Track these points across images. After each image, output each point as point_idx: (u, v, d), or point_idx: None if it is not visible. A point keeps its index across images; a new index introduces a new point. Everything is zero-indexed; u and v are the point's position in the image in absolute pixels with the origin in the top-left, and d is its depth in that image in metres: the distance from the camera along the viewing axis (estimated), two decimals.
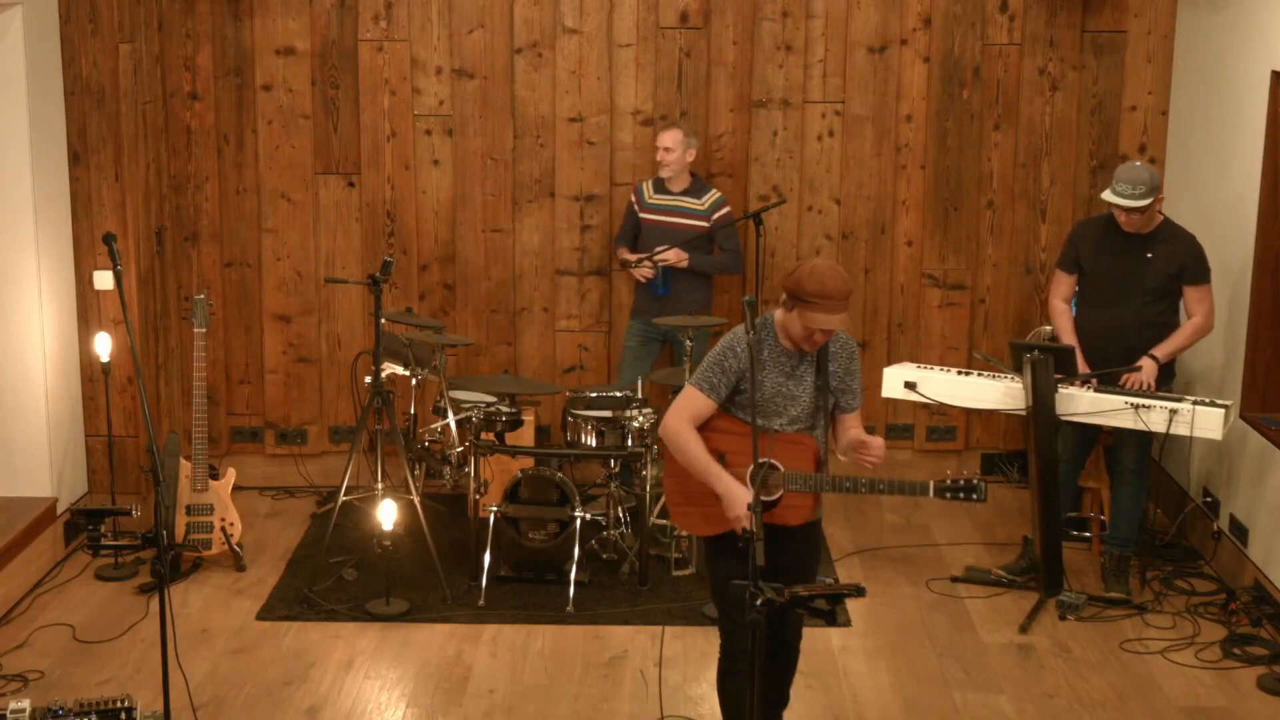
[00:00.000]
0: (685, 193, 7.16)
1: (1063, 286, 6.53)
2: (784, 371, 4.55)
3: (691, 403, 4.54)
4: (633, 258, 7.15)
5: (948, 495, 4.54)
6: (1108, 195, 6.23)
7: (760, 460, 4.37)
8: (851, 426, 4.68)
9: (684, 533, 6.53)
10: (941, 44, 7.37)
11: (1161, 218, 6.33)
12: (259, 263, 7.53)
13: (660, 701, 5.39)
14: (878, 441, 4.56)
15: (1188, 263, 6.29)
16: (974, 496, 4.53)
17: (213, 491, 6.55)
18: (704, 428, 4.57)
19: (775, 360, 4.54)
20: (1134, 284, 6.31)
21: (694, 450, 4.51)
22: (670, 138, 7.07)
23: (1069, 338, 6.38)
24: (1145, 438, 6.29)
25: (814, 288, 4.35)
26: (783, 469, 4.52)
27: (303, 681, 5.61)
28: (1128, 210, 6.18)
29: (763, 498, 4.39)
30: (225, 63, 7.34)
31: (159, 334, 7.21)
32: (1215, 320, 6.73)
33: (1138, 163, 6.31)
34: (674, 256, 7.03)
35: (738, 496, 4.41)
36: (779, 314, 4.54)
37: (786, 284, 4.44)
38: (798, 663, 4.98)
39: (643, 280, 7.12)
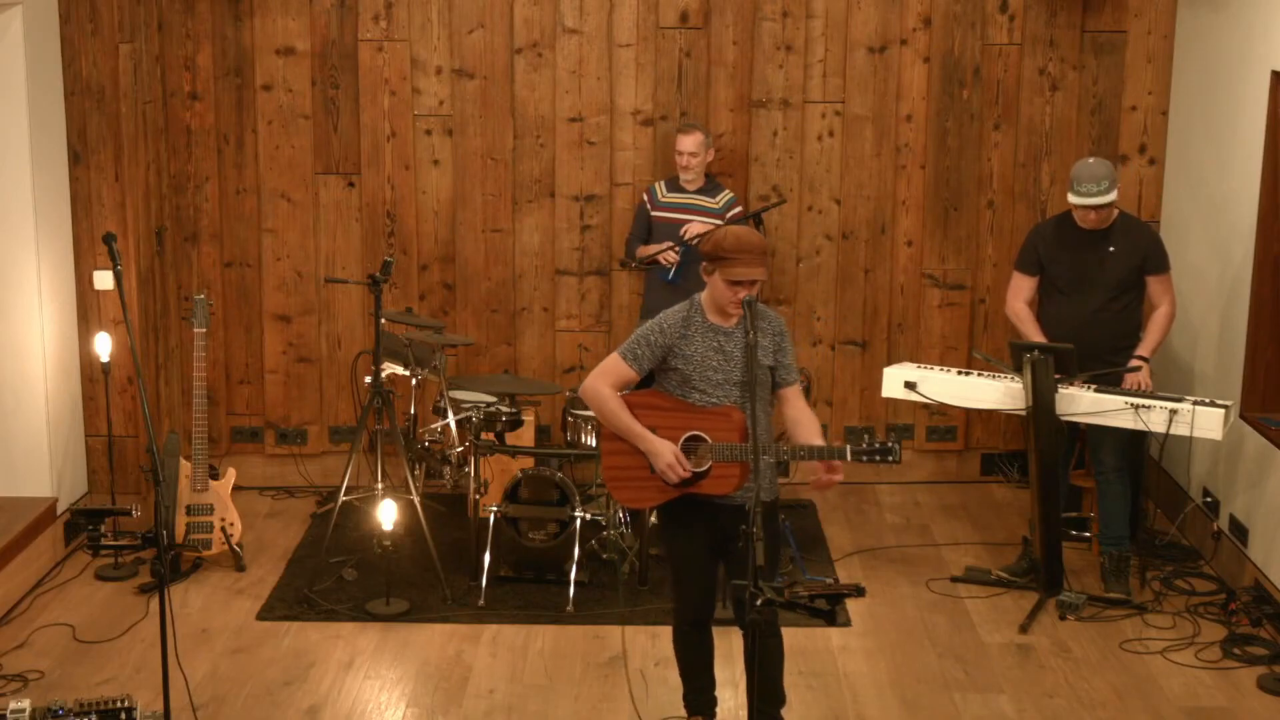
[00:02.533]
0: (700, 191, 7.17)
1: (1024, 289, 6.53)
2: (712, 346, 4.74)
3: (614, 368, 4.81)
4: (653, 249, 7.13)
5: (864, 458, 4.68)
6: (1072, 198, 6.25)
7: (690, 434, 4.71)
8: (790, 401, 4.87)
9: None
10: (941, 44, 7.37)
11: (1118, 211, 6.35)
12: (259, 263, 7.53)
13: (632, 699, 5.40)
14: (832, 479, 4.73)
15: (1149, 253, 6.34)
16: (889, 459, 4.68)
17: (213, 491, 6.55)
18: (637, 405, 4.81)
19: (703, 336, 4.75)
20: (1098, 279, 6.33)
21: (612, 408, 4.79)
22: (692, 142, 7.06)
23: (1038, 339, 6.37)
24: (1123, 437, 6.30)
25: (731, 244, 4.64)
26: (709, 440, 4.71)
27: (303, 681, 5.61)
28: (1097, 209, 6.21)
29: (693, 469, 4.72)
30: (225, 63, 7.34)
31: (159, 334, 7.21)
32: (1212, 320, 6.74)
33: (1090, 159, 6.34)
34: (700, 228, 7.03)
35: (661, 449, 4.72)
36: (704, 294, 4.78)
37: (705, 248, 4.71)
38: (783, 648, 4.97)
39: (666, 263, 7.09)
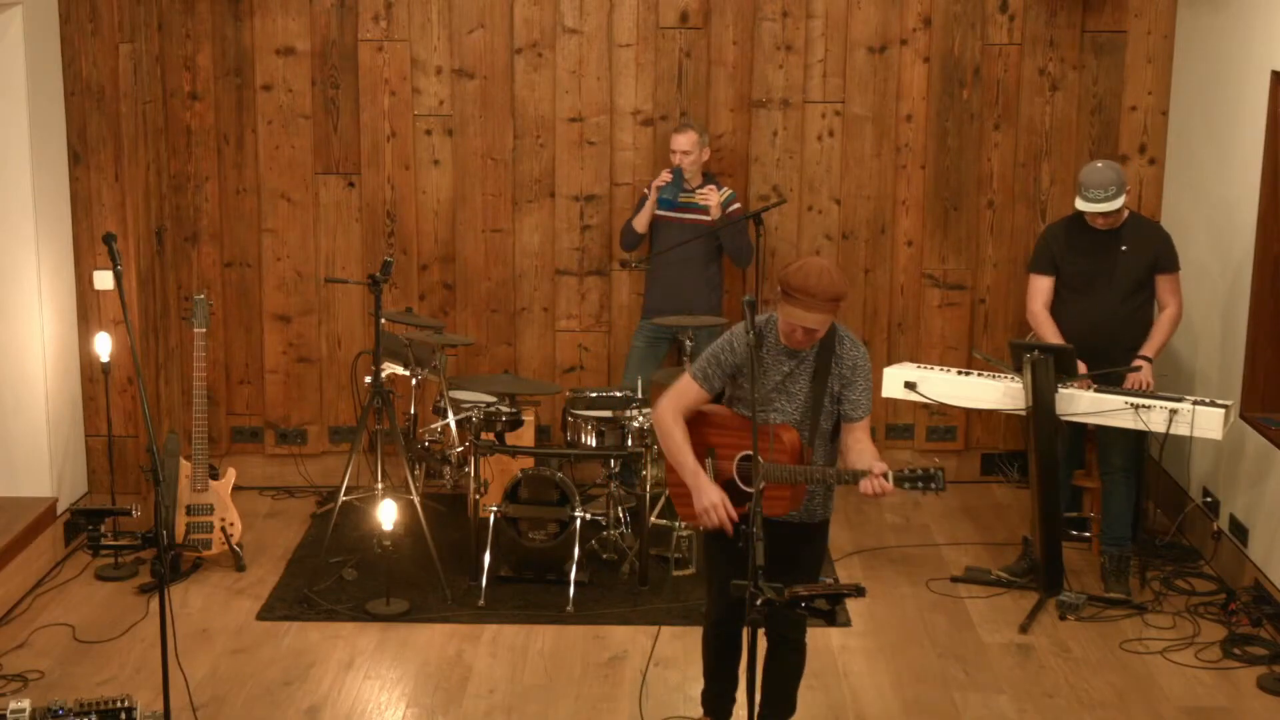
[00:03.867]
0: (700, 189, 7.18)
1: (1042, 291, 6.51)
2: (780, 369, 4.62)
3: (685, 390, 4.70)
4: (646, 209, 7.15)
5: (906, 485, 4.52)
6: (1080, 204, 6.25)
7: (744, 454, 4.57)
8: (851, 433, 4.67)
9: (685, 531, 6.53)
10: (941, 44, 7.37)
11: (1128, 210, 6.36)
12: (259, 263, 7.53)
13: (641, 703, 5.39)
14: (882, 485, 4.49)
15: (1161, 251, 6.35)
16: (932, 486, 4.50)
17: (213, 491, 6.55)
18: (701, 421, 4.70)
19: (774, 357, 4.63)
20: (1112, 279, 6.34)
21: (674, 439, 4.66)
22: (686, 141, 7.06)
23: (1057, 340, 6.37)
24: (1131, 438, 6.30)
25: (798, 283, 4.45)
26: (762, 461, 4.56)
27: (303, 681, 5.61)
28: (1104, 215, 6.23)
29: (745, 488, 4.59)
30: (225, 63, 7.34)
31: (159, 334, 7.21)
32: (1213, 320, 6.75)
33: (1099, 163, 6.31)
34: (714, 198, 7.05)
35: (704, 490, 4.59)
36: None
37: (779, 275, 4.55)
38: (804, 663, 4.96)
39: (663, 184, 7.08)
